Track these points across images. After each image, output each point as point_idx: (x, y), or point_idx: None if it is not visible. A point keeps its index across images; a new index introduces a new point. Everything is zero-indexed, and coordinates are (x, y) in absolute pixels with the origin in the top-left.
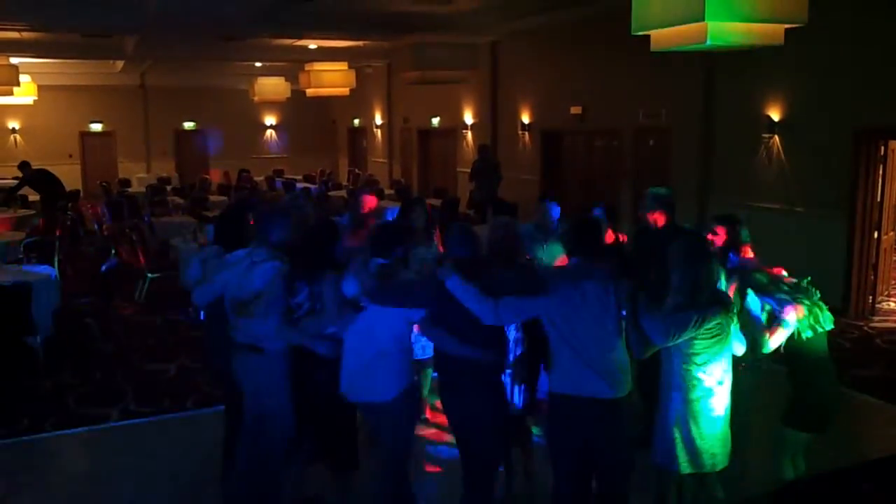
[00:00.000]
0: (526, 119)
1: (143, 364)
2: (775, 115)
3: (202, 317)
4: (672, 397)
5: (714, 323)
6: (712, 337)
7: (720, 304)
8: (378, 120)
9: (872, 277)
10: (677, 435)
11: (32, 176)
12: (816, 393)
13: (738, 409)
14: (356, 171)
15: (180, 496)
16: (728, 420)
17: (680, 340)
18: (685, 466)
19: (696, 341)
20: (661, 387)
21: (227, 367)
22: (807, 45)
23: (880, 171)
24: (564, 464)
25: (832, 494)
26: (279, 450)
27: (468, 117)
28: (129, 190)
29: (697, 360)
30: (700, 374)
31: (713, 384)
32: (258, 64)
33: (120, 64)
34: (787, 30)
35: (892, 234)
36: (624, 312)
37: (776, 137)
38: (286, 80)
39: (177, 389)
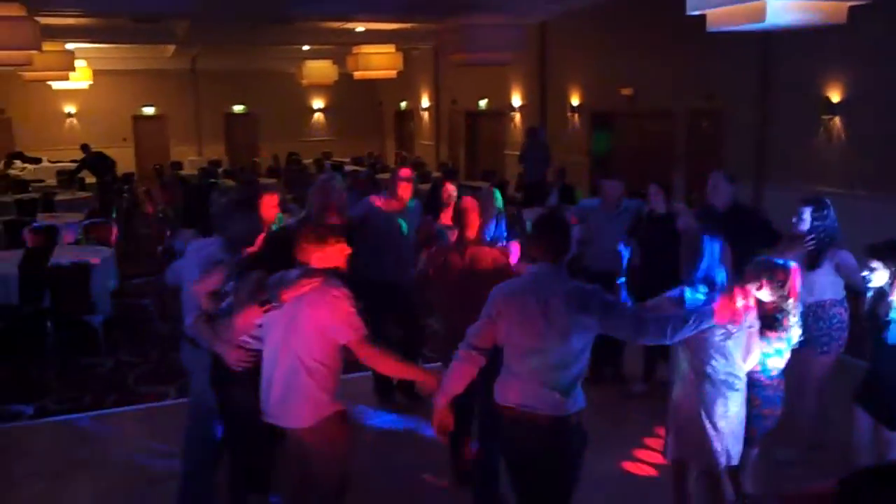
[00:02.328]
0: (575, 101)
1: None
2: (834, 97)
3: None
4: (683, 391)
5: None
6: (721, 333)
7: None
8: (425, 102)
9: None
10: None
11: (92, 157)
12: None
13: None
14: (403, 153)
15: None
16: (742, 416)
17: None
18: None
19: (707, 337)
20: (675, 381)
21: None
22: (866, 23)
23: None
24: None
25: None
26: (214, 447)
27: (516, 99)
28: (182, 172)
29: (714, 354)
30: (717, 369)
31: (727, 380)
32: (306, 47)
33: (171, 48)
34: (849, 8)
35: None
36: (593, 321)
37: (836, 119)
38: (334, 63)
39: None
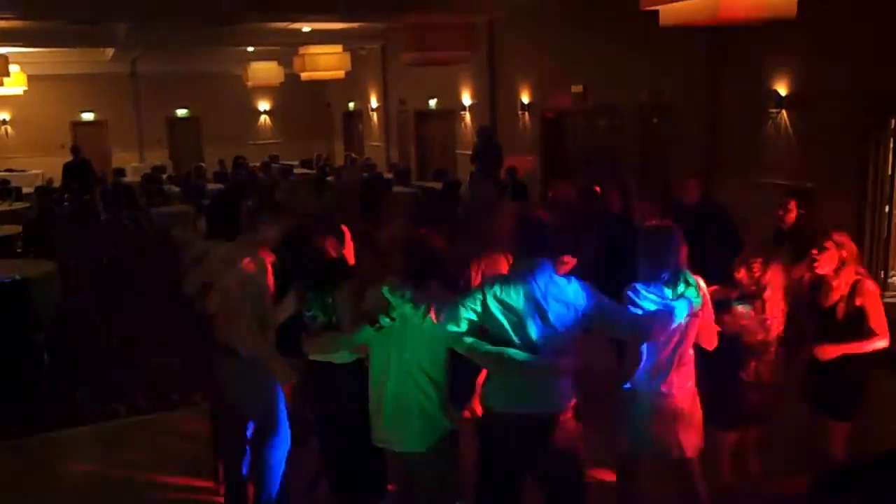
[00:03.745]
0: (525, 99)
1: (148, 358)
2: (782, 90)
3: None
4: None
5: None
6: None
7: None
8: (374, 103)
9: (884, 253)
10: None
11: (78, 162)
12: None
13: None
14: (352, 155)
15: (196, 491)
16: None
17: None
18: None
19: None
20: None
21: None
22: (815, 18)
23: (891, 145)
24: (493, 484)
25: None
26: (275, 459)
27: (466, 98)
28: (125, 179)
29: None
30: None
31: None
32: (251, 49)
33: (110, 52)
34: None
35: None
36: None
37: (784, 112)
38: (280, 65)
39: (184, 383)
